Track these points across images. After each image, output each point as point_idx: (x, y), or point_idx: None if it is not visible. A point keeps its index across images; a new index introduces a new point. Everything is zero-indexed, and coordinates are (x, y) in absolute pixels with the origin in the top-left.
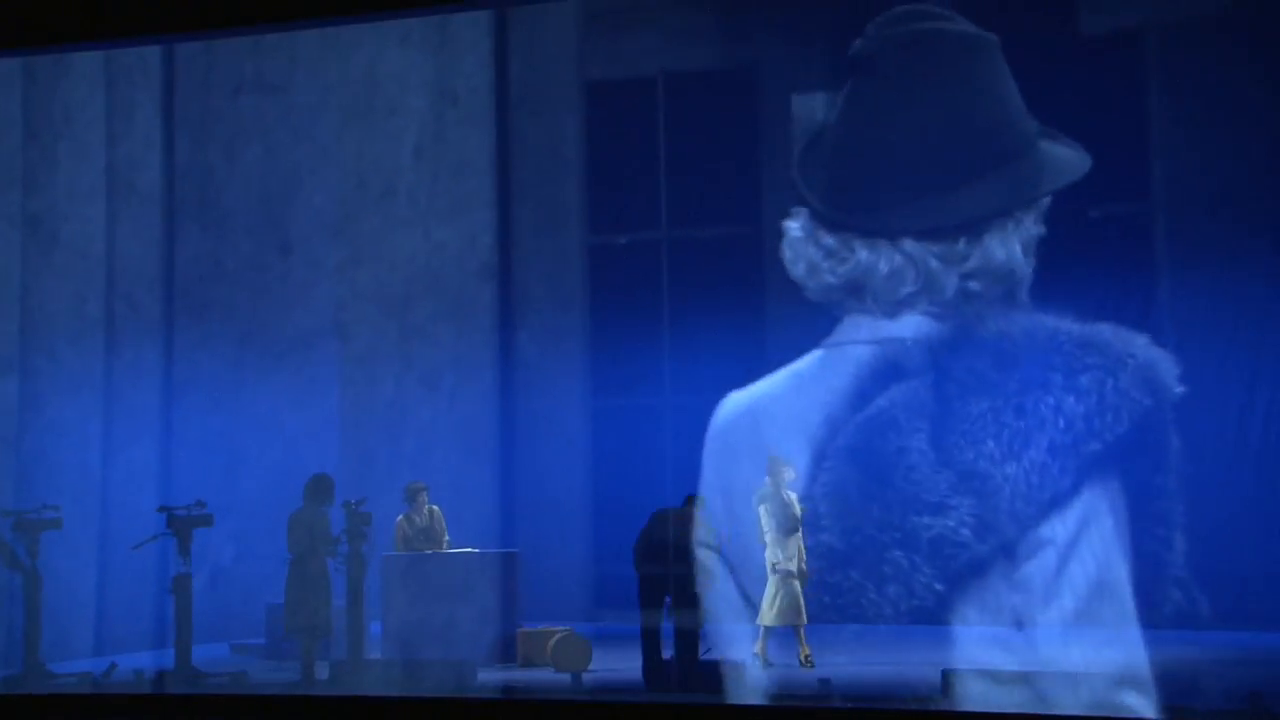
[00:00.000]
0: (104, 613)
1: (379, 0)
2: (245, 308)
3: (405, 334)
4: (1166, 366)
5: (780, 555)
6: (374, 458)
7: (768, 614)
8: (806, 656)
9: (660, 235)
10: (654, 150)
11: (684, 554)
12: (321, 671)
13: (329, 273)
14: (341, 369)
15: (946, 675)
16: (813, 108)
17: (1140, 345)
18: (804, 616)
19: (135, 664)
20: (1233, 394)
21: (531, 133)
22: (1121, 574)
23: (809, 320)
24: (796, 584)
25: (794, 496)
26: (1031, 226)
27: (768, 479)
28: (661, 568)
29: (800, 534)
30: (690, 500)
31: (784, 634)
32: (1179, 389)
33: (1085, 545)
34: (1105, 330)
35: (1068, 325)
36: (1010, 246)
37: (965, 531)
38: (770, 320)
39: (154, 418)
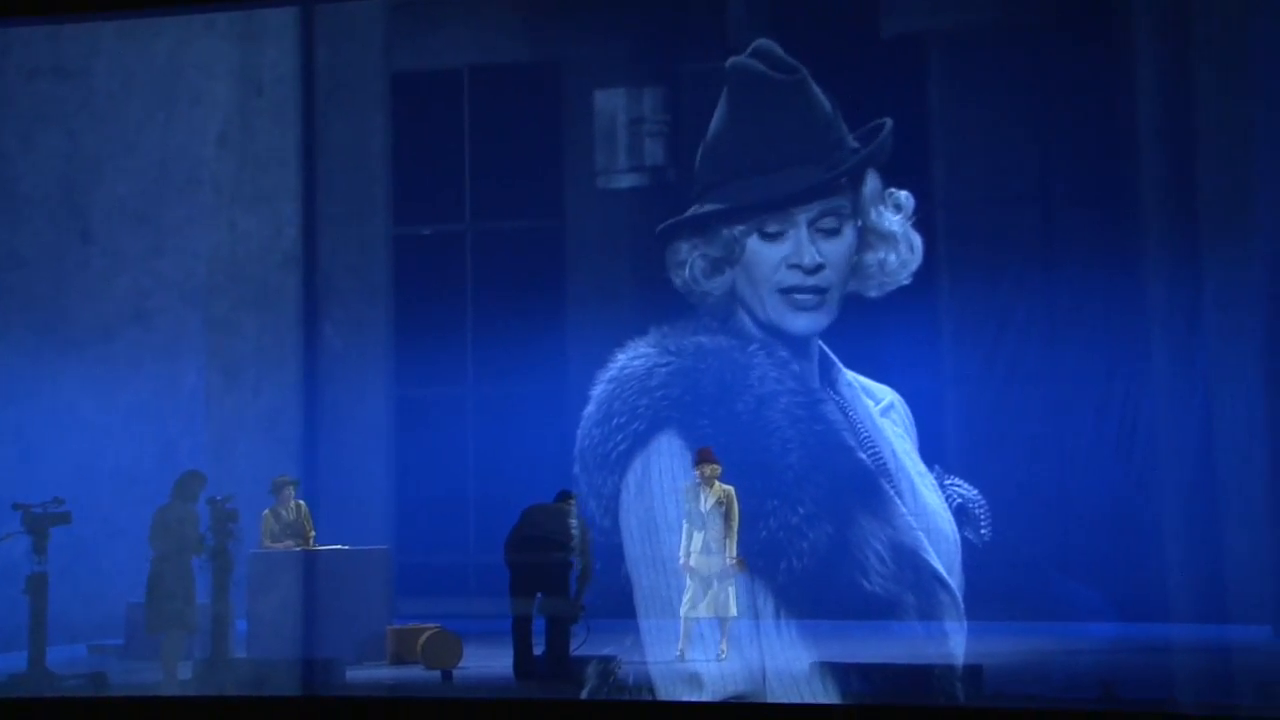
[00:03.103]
0: None
1: None
2: (44, 297)
3: (209, 324)
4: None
5: (681, 549)
6: (176, 449)
7: (681, 608)
8: (723, 651)
9: (464, 227)
10: (459, 143)
11: (557, 548)
12: (185, 671)
13: (131, 262)
14: (143, 359)
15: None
16: (614, 103)
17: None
18: (731, 610)
19: None
20: (1091, 391)
21: (337, 123)
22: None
23: (609, 313)
24: (706, 578)
25: (714, 493)
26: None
27: (695, 471)
28: (534, 562)
29: (719, 530)
30: (562, 495)
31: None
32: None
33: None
34: None
35: None
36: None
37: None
38: (570, 312)
39: None
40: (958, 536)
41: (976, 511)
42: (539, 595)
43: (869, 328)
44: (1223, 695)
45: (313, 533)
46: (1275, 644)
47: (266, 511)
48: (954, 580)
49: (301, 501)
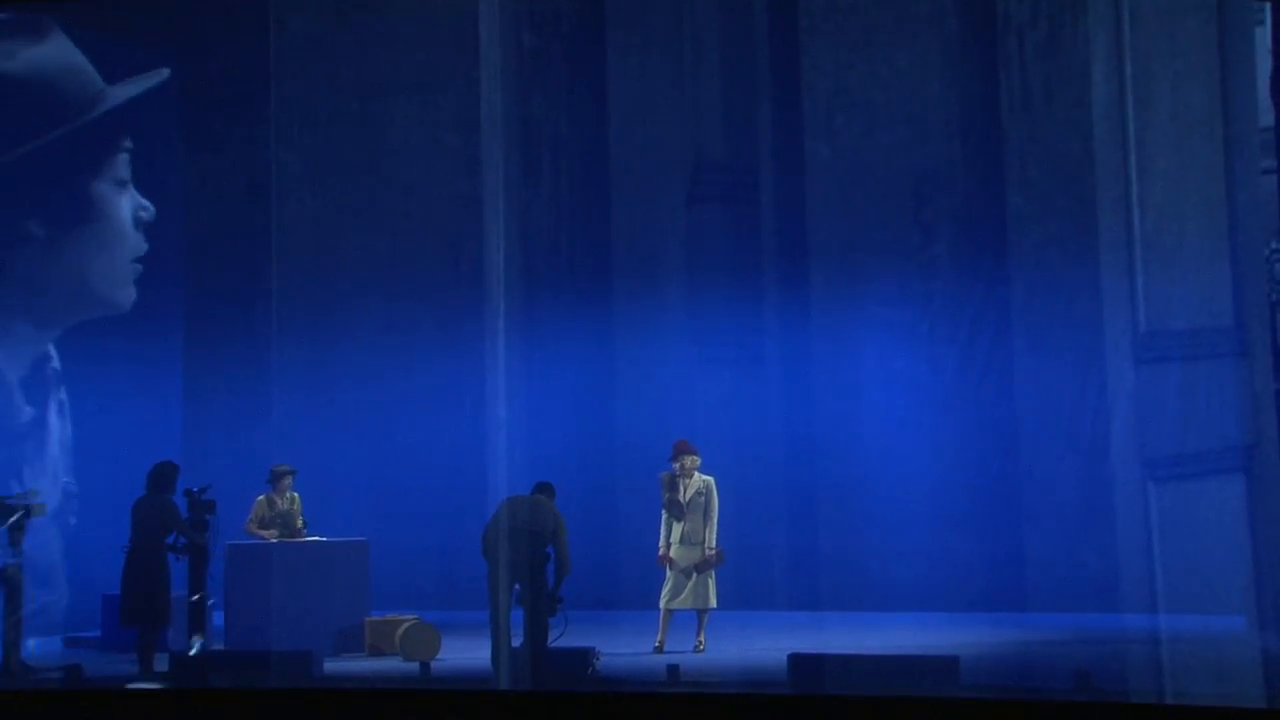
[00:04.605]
0: None
1: None
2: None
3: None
4: None
5: (661, 540)
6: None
7: (662, 599)
8: (700, 643)
9: None
10: None
11: (534, 541)
12: (161, 663)
13: None
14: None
15: (793, 660)
16: None
17: None
18: (710, 602)
19: None
20: (1066, 386)
21: None
22: None
23: None
24: (685, 569)
25: (694, 483)
26: None
27: (674, 464)
28: (511, 555)
29: (700, 521)
30: (539, 487)
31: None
32: None
33: None
34: None
35: None
36: None
37: None
38: None
39: None
40: None
41: None
42: (517, 587)
43: None
44: (1198, 684)
45: (302, 526)
46: (1250, 634)
47: (262, 497)
48: None
49: (297, 494)
